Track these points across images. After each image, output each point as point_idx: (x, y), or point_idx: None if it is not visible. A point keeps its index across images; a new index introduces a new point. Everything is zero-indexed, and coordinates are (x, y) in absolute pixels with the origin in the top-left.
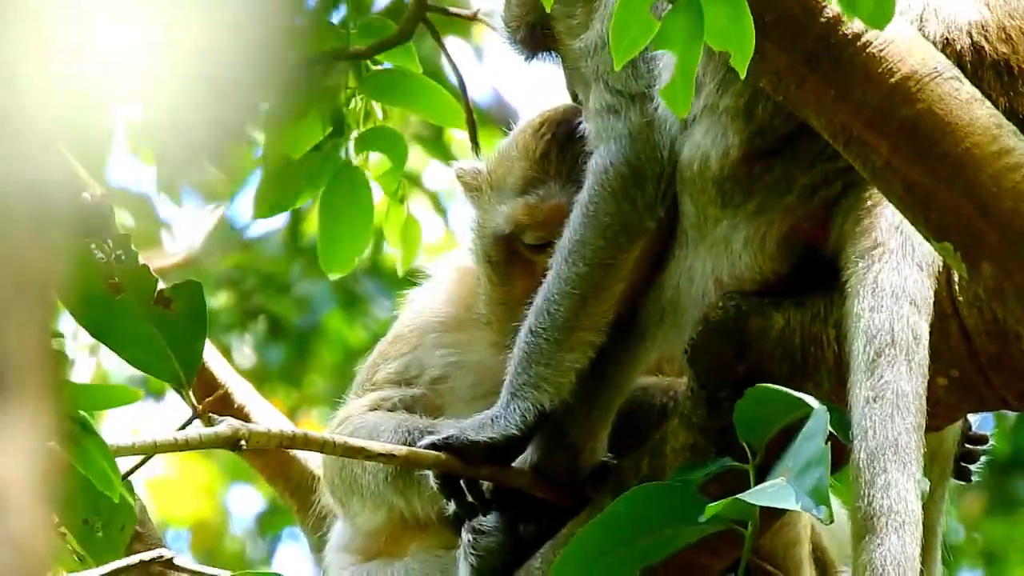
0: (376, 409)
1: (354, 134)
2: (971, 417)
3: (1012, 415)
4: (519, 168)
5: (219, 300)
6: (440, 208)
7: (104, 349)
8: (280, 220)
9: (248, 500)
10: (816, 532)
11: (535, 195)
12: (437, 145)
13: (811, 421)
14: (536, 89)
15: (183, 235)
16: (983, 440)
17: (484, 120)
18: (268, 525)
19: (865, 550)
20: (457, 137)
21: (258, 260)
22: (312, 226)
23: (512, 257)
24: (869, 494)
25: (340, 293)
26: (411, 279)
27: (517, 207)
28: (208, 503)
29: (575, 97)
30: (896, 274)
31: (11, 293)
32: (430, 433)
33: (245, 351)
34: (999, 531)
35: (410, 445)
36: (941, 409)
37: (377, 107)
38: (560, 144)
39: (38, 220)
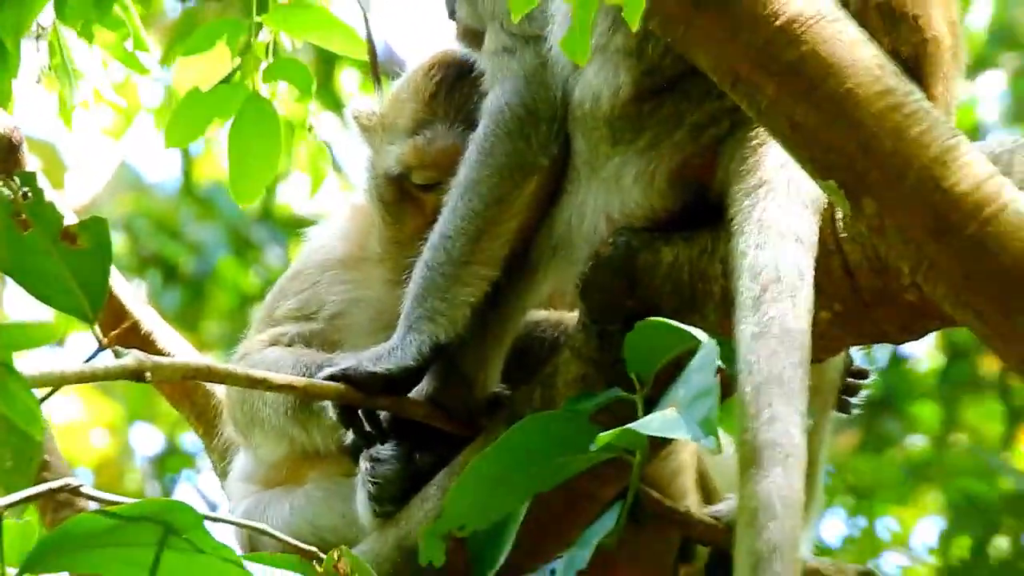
0: (275, 344)
1: (262, 66)
2: (852, 354)
3: (883, 358)
4: (409, 109)
5: (116, 246)
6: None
7: (9, 294)
8: (174, 166)
9: (149, 439)
10: (702, 460)
11: (424, 136)
12: (326, 93)
13: (700, 354)
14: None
15: (85, 179)
16: (864, 374)
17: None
18: (166, 465)
19: (751, 482)
20: (345, 87)
21: (153, 205)
22: (205, 171)
23: (403, 196)
24: (755, 427)
25: (233, 239)
26: (303, 226)
27: (406, 148)
28: (112, 443)
29: (452, 14)
30: (781, 212)
31: None
32: (328, 366)
33: (141, 296)
34: (870, 468)
35: (308, 377)
36: (825, 342)
37: (284, 39)
38: (449, 85)
39: None
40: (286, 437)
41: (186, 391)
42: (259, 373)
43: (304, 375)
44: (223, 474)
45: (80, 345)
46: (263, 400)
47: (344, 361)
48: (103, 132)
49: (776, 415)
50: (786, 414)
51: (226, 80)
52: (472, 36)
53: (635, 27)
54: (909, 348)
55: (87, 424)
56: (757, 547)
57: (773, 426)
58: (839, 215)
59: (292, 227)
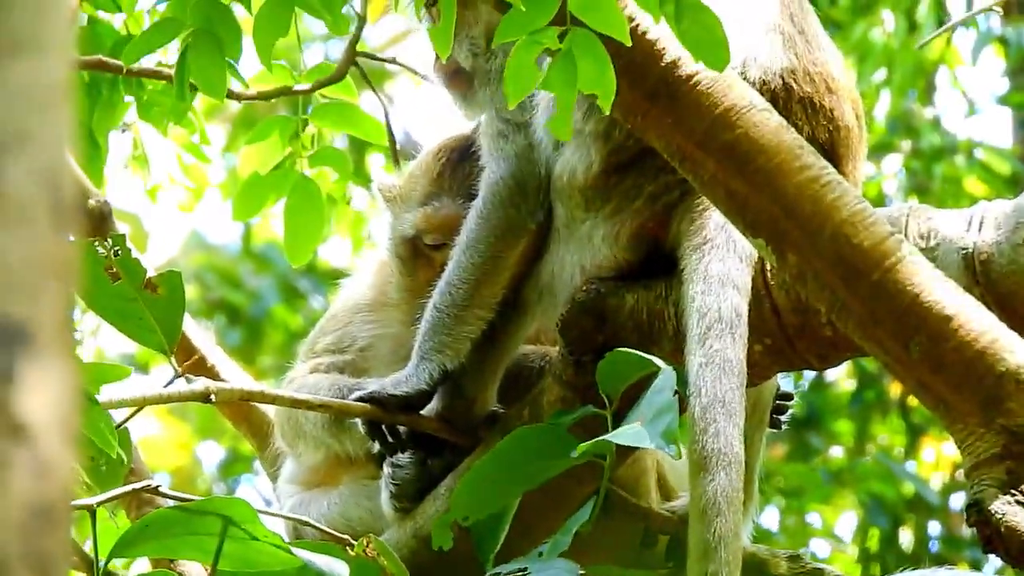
0: (315, 372)
1: (308, 153)
2: (780, 380)
3: (806, 382)
4: (421, 185)
5: (188, 293)
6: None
7: (101, 332)
8: (236, 230)
9: (214, 452)
10: (660, 464)
11: (432, 206)
12: (359, 174)
13: (660, 378)
14: (436, 128)
15: (163, 244)
16: (789, 397)
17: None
18: (229, 471)
19: (699, 484)
20: (374, 167)
21: (218, 261)
22: (261, 234)
23: (416, 254)
24: (702, 440)
25: (284, 289)
26: (339, 278)
27: (419, 215)
28: (184, 455)
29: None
30: (722, 264)
31: (41, 274)
32: (358, 389)
33: (209, 335)
34: (798, 474)
35: (341, 399)
36: (758, 369)
37: (326, 132)
38: (453, 166)
39: (58, 219)
40: (323, 446)
41: (243, 412)
42: (302, 395)
43: (338, 396)
44: (274, 478)
45: (159, 375)
46: (306, 417)
47: (370, 385)
48: (178, 207)
49: (720, 430)
50: (727, 429)
51: (279, 165)
52: (461, 76)
53: (607, 111)
54: (829, 374)
55: (164, 440)
56: (706, 538)
57: (718, 439)
58: (768, 266)
59: (331, 278)
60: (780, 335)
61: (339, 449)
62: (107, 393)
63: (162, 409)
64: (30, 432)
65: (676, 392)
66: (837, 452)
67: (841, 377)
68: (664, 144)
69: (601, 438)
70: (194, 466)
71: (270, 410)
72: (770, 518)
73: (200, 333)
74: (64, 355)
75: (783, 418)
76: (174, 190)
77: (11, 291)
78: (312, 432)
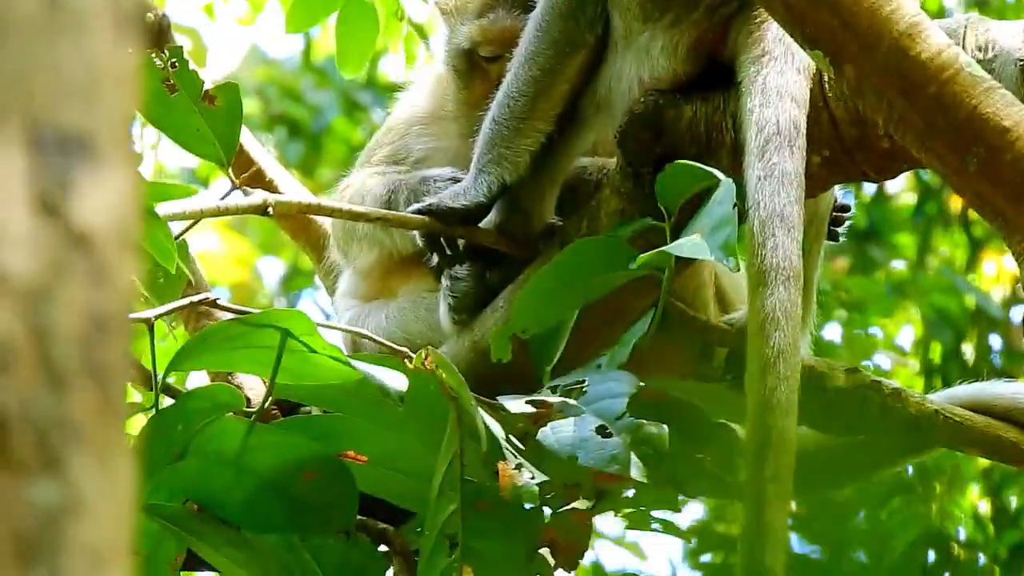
0: (372, 178)
1: None
2: (837, 192)
3: (868, 194)
4: None
5: (249, 107)
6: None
7: (161, 146)
8: (295, 45)
9: (274, 268)
10: (718, 277)
11: (488, 18)
12: None
13: (719, 190)
14: None
15: (223, 59)
16: (847, 209)
17: None
18: (290, 286)
19: (758, 298)
20: None
21: (279, 75)
22: (320, 49)
23: (472, 67)
24: (761, 254)
25: (344, 102)
26: (398, 91)
27: (474, 28)
28: (243, 271)
29: None
30: (780, 76)
31: (100, 84)
32: (413, 181)
33: (270, 149)
34: (860, 287)
35: (392, 197)
36: (816, 180)
37: None
38: None
39: (117, 28)
40: (376, 244)
41: (302, 225)
42: (360, 208)
43: (389, 190)
44: (332, 292)
45: (219, 190)
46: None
47: (428, 197)
48: (237, 21)
49: (778, 244)
50: (786, 242)
51: None
52: None
53: None
54: (890, 187)
55: (223, 255)
56: (765, 352)
57: (776, 253)
58: (826, 78)
59: (391, 91)
60: (838, 146)
61: (391, 246)
62: (165, 206)
63: (221, 223)
64: (89, 241)
65: (735, 205)
66: (899, 265)
67: (902, 190)
68: None
69: (660, 249)
70: (254, 281)
71: (328, 222)
72: (832, 331)
73: (258, 146)
74: (123, 165)
75: (841, 230)
76: (234, 3)
77: (69, 100)
78: (366, 230)
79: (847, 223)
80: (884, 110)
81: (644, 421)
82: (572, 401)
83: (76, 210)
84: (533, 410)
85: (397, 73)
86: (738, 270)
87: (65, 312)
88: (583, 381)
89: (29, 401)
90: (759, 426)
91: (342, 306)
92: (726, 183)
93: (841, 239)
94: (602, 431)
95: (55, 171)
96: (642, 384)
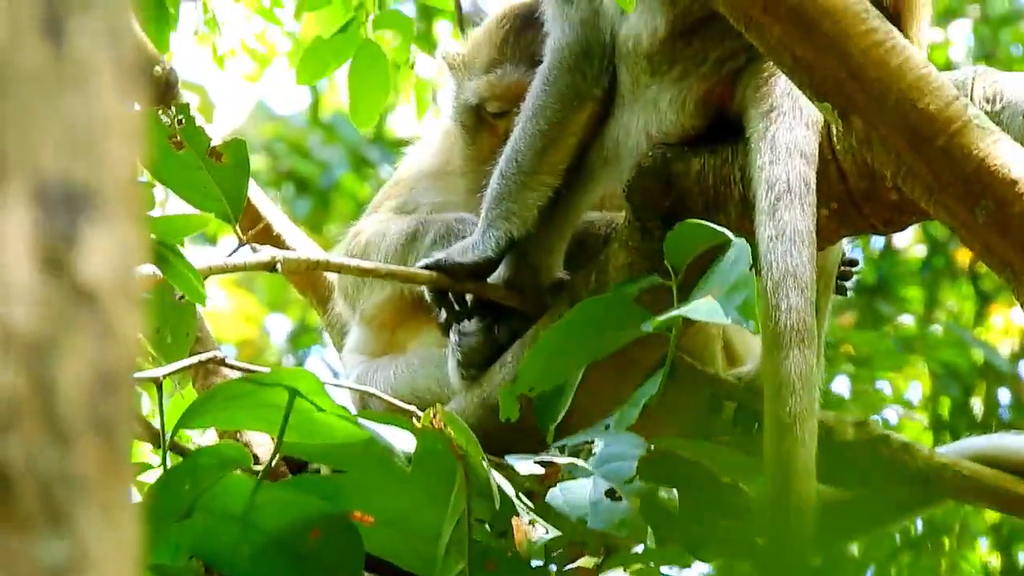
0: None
1: (370, 17)
2: (845, 247)
3: (876, 248)
4: (484, 52)
5: (257, 163)
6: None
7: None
8: (303, 101)
9: (282, 325)
10: (726, 330)
11: (495, 74)
12: (426, 41)
13: (733, 251)
14: None
15: (230, 115)
16: (854, 263)
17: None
18: (298, 343)
19: (773, 362)
20: (442, 34)
21: (286, 131)
22: (328, 105)
23: (479, 122)
24: (776, 316)
25: (352, 158)
26: (406, 146)
27: (481, 83)
28: (251, 328)
29: None
30: (789, 132)
31: (105, 137)
32: (431, 223)
33: (277, 205)
34: (867, 342)
35: (420, 230)
36: (824, 234)
37: None
38: (516, 33)
39: (122, 82)
40: (389, 285)
41: (310, 281)
42: (368, 264)
43: (414, 228)
44: (337, 346)
45: (226, 248)
46: (377, 249)
47: (436, 253)
48: (244, 77)
49: (792, 305)
50: (800, 303)
51: (343, 30)
52: None
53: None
54: (898, 241)
55: (230, 312)
56: (782, 417)
57: (791, 315)
58: (834, 131)
59: (399, 147)
60: (846, 199)
61: (401, 285)
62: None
63: (229, 280)
64: (94, 296)
65: (751, 265)
66: (907, 319)
67: (910, 243)
68: (730, 9)
69: (674, 312)
70: (262, 338)
71: (336, 278)
72: (840, 385)
73: (266, 202)
74: (128, 219)
75: (848, 284)
76: (241, 59)
77: (74, 154)
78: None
79: (855, 277)
80: (892, 162)
81: (654, 486)
82: (581, 463)
83: (81, 265)
84: (542, 470)
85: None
86: (758, 332)
87: (70, 367)
88: (591, 441)
89: (34, 457)
90: (778, 491)
91: (350, 362)
92: (740, 243)
93: (849, 293)
94: (612, 495)
95: (60, 225)
96: (651, 446)
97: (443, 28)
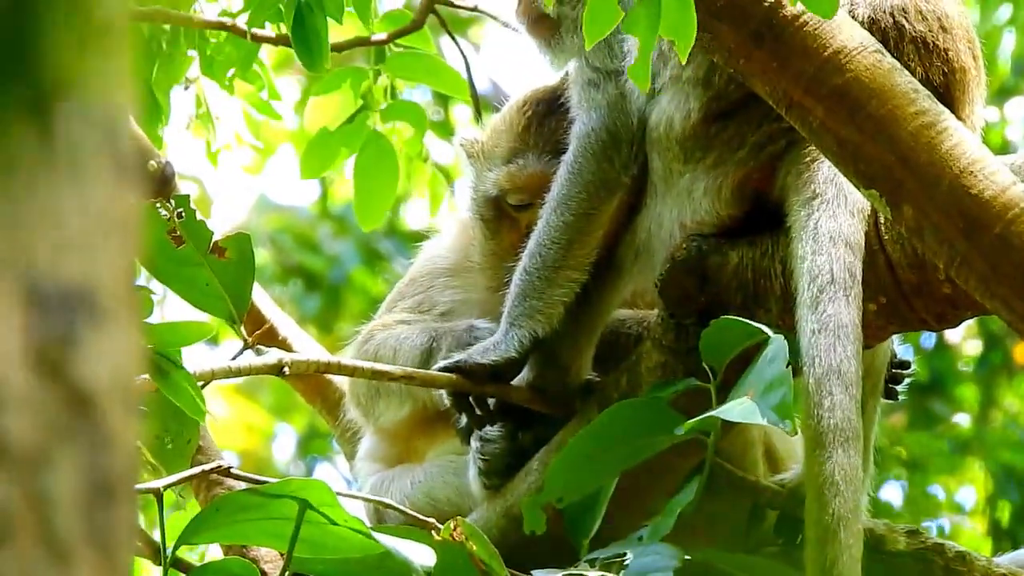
0: (400, 324)
1: (380, 107)
2: (896, 347)
3: (929, 345)
4: (505, 140)
5: (262, 258)
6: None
7: (167, 303)
8: (310, 192)
9: (289, 436)
10: (767, 434)
11: (516, 164)
12: (443, 128)
13: (771, 348)
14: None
15: (229, 209)
16: (907, 365)
17: (483, 106)
18: (306, 450)
19: (816, 462)
20: (459, 120)
21: (293, 223)
22: (337, 195)
23: (500, 215)
24: (818, 414)
25: (364, 251)
26: (422, 239)
27: (502, 174)
28: (253, 438)
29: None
30: (833, 220)
31: (101, 233)
32: (451, 334)
33: (284, 303)
34: (920, 444)
35: (434, 345)
36: (872, 330)
37: (400, 83)
38: (539, 120)
39: (119, 173)
40: (409, 398)
41: (319, 387)
42: (383, 367)
43: (431, 338)
44: (351, 456)
45: (228, 351)
46: (394, 361)
47: (455, 354)
48: (244, 169)
49: (836, 403)
50: (844, 401)
51: (350, 120)
52: (545, 22)
53: (683, 59)
54: (951, 336)
55: (232, 422)
56: (824, 520)
57: (834, 413)
58: (882, 219)
59: (414, 240)
60: (895, 293)
61: (426, 397)
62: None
63: (229, 387)
64: (91, 402)
65: (789, 363)
66: (962, 419)
67: (964, 338)
68: (769, 90)
69: (709, 414)
70: (265, 449)
71: (346, 383)
72: (890, 491)
73: (269, 302)
74: (126, 320)
75: (900, 388)
76: (240, 151)
77: (69, 251)
78: (394, 385)
79: (907, 381)
80: (945, 253)
81: None
82: None
83: (78, 369)
84: None
85: (420, 220)
86: (795, 433)
87: (67, 478)
88: (624, 554)
89: (31, 574)
90: None
91: (364, 471)
92: (777, 339)
93: (899, 398)
94: None
95: (55, 327)
96: (687, 557)
97: (461, 112)
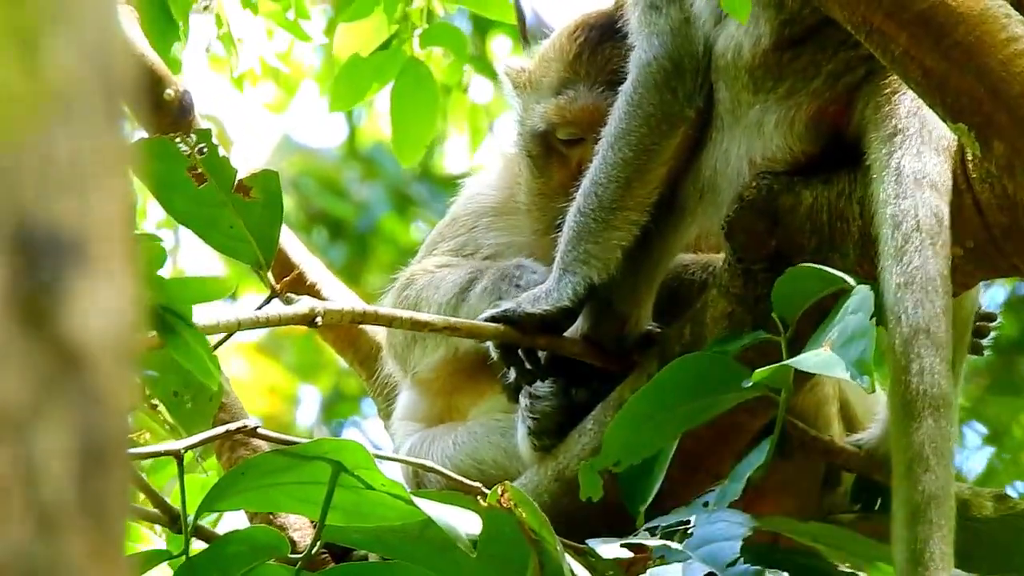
0: (442, 268)
1: (417, 31)
2: (981, 299)
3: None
4: (554, 69)
5: (284, 204)
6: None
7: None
8: (337, 133)
9: (313, 399)
10: (843, 390)
11: (566, 95)
12: (481, 62)
13: (855, 297)
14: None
15: (251, 152)
16: (992, 317)
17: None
18: (331, 413)
19: (904, 433)
20: (498, 54)
21: (318, 167)
22: (367, 136)
23: (548, 151)
24: (906, 380)
25: (394, 197)
26: (457, 183)
27: (550, 107)
28: (275, 401)
29: None
30: (917, 159)
31: (93, 173)
32: (498, 274)
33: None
34: (1004, 410)
35: (474, 278)
36: (958, 276)
37: (437, 6)
38: (592, 47)
39: (111, 108)
40: (443, 341)
41: (351, 338)
42: (423, 316)
43: (471, 273)
44: (386, 415)
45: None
46: (428, 303)
47: (503, 303)
48: (267, 107)
49: (925, 366)
50: (934, 364)
51: (384, 46)
52: None
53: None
54: None
55: (252, 382)
56: (914, 498)
57: (923, 377)
58: (969, 156)
59: (449, 185)
60: (984, 236)
61: (461, 344)
62: (195, 316)
63: (250, 345)
64: (82, 358)
65: (873, 315)
66: None
67: None
68: (847, 15)
69: (780, 364)
70: (288, 413)
71: (380, 335)
72: (973, 458)
73: (298, 246)
74: (121, 268)
75: (985, 341)
76: (262, 88)
77: (59, 193)
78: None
79: (992, 334)
80: None
81: (761, 568)
82: (675, 545)
83: (67, 321)
84: (629, 554)
85: (457, 162)
86: (873, 390)
87: (56, 442)
88: (688, 521)
89: (19, 547)
90: None
91: (401, 431)
92: (862, 290)
93: (985, 352)
94: None
95: (42, 275)
96: (756, 524)
97: (500, 46)
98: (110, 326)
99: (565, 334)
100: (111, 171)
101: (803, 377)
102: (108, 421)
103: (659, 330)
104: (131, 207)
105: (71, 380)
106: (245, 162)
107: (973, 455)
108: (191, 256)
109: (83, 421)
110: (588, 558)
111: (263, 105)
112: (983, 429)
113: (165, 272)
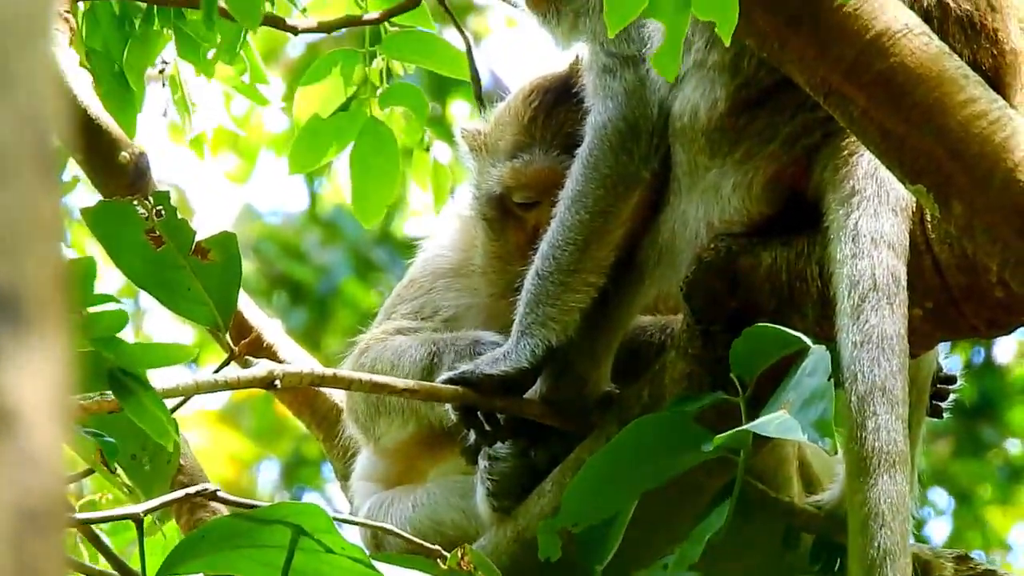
0: (399, 333)
1: (377, 92)
2: (941, 361)
3: (977, 361)
4: (509, 132)
5: (244, 269)
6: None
7: (146, 316)
8: (298, 199)
9: (273, 465)
10: (801, 449)
11: (522, 159)
12: (441, 126)
13: (812, 358)
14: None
15: (212, 220)
16: (953, 380)
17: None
18: (293, 479)
19: (860, 489)
20: (457, 118)
21: (278, 232)
22: (327, 200)
23: (504, 214)
24: (861, 436)
25: (355, 260)
26: (416, 245)
27: (506, 170)
28: (236, 468)
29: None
30: (874, 220)
31: (27, 236)
32: (456, 346)
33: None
34: (968, 472)
35: (435, 360)
36: (917, 337)
37: (397, 64)
38: (547, 111)
39: (44, 172)
40: (414, 416)
41: (308, 399)
42: (382, 379)
43: (432, 354)
44: (344, 476)
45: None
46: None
47: (462, 365)
48: (228, 177)
49: (881, 424)
50: (890, 422)
51: (344, 107)
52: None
53: (728, 42)
54: (1002, 355)
55: (211, 450)
56: (870, 553)
57: (879, 435)
58: (928, 217)
59: (410, 249)
60: (943, 297)
61: (431, 415)
62: (152, 379)
63: (209, 413)
64: (16, 420)
65: (830, 376)
66: (1013, 445)
67: (1016, 357)
68: (806, 77)
69: (740, 428)
70: (248, 479)
71: (338, 396)
72: (935, 525)
73: (255, 309)
74: (55, 330)
75: (945, 404)
76: (223, 158)
77: None
78: (399, 402)
79: (952, 397)
80: (998, 253)
81: None
82: None
83: (3, 384)
84: None
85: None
86: (835, 452)
87: None
88: None
89: None
90: None
91: (361, 492)
92: (818, 350)
93: (945, 415)
94: None
95: None
96: None
97: (459, 110)
98: (45, 388)
99: (525, 396)
100: (46, 235)
101: (763, 438)
102: (43, 483)
103: (618, 391)
104: (62, 271)
105: (4, 442)
106: (208, 232)
107: (938, 520)
108: (156, 322)
109: (17, 483)
110: None
111: (224, 175)
112: (947, 495)
113: (127, 336)
